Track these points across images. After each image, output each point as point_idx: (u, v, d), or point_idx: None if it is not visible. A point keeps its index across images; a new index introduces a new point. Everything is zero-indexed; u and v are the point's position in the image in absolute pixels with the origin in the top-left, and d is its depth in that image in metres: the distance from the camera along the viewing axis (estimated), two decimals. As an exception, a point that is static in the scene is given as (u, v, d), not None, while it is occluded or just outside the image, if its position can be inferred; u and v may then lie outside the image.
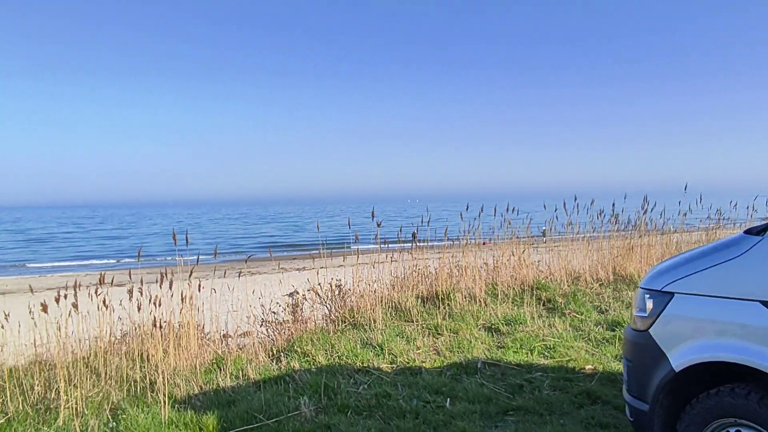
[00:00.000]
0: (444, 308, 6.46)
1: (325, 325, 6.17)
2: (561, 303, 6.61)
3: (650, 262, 8.53)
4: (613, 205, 9.18)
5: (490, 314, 6.20)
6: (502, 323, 5.76)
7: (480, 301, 6.71)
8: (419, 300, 6.73)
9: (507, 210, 8.40)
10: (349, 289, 7.27)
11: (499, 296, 7.01)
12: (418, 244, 7.84)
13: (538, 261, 8.44)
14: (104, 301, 5.01)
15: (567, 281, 7.81)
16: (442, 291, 6.75)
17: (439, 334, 5.58)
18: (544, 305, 6.71)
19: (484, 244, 8.39)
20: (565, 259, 8.47)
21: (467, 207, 8.32)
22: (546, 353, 4.93)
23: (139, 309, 5.30)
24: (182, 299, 5.85)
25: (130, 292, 5.59)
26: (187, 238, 5.88)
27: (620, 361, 4.49)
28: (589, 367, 4.58)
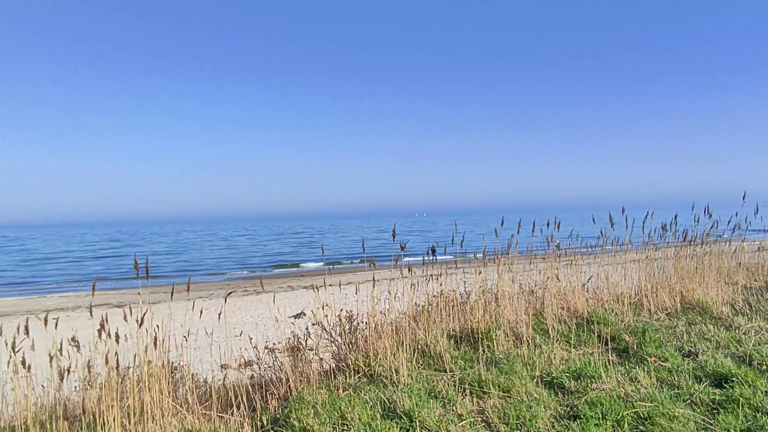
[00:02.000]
0: (483, 351, 5.08)
1: (332, 376, 4.79)
2: (631, 343, 5.19)
3: (723, 286, 7.12)
4: (676, 217, 7.75)
5: (546, 361, 4.80)
6: (566, 376, 4.36)
7: (527, 340, 5.32)
8: (451, 340, 5.35)
9: (550, 224, 7.01)
10: (363, 321, 5.95)
11: (550, 333, 5.62)
12: (443, 264, 6.48)
13: (581, 283, 7.05)
14: (23, 361, 3.67)
15: (624, 310, 6.40)
16: (479, 328, 5.37)
17: (484, 392, 4.18)
18: (608, 345, 5.30)
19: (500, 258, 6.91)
20: (613, 280, 7.08)
21: (502, 222, 6.93)
22: (642, 428, 3.52)
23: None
24: (155, 342, 4.57)
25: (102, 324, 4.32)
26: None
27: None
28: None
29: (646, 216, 7.50)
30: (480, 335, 5.25)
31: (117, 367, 4.28)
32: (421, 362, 4.92)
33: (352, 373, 4.74)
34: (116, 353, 4.26)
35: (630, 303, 6.65)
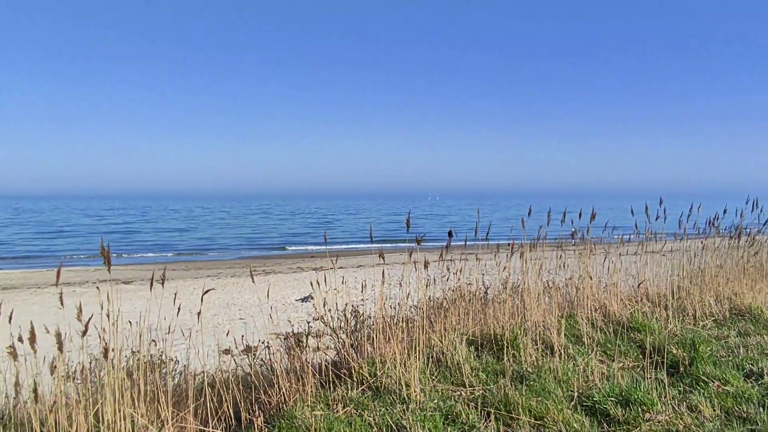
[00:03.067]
0: (509, 362, 4.38)
1: (332, 385, 4.11)
2: (681, 358, 4.45)
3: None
4: (725, 211, 6.91)
5: (583, 377, 4.08)
6: (611, 401, 3.64)
7: (558, 350, 4.59)
8: (471, 347, 4.65)
9: (582, 214, 6.23)
10: (370, 316, 5.29)
11: (584, 341, 4.89)
12: (463, 251, 5.77)
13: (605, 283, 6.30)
14: None
15: (666, 315, 5.66)
16: (503, 334, 4.66)
17: (512, 417, 3.48)
18: (652, 358, 4.57)
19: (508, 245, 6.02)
20: (649, 276, 6.31)
21: (530, 211, 6.15)
22: (714, 480, 2.80)
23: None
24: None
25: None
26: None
27: None
28: None
29: (691, 208, 6.68)
30: (505, 342, 4.54)
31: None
32: (435, 373, 4.23)
33: (355, 383, 4.06)
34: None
35: (672, 306, 5.89)
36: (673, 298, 6.08)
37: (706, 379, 3.97)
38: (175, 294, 4.21)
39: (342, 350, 4.49)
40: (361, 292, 5.03)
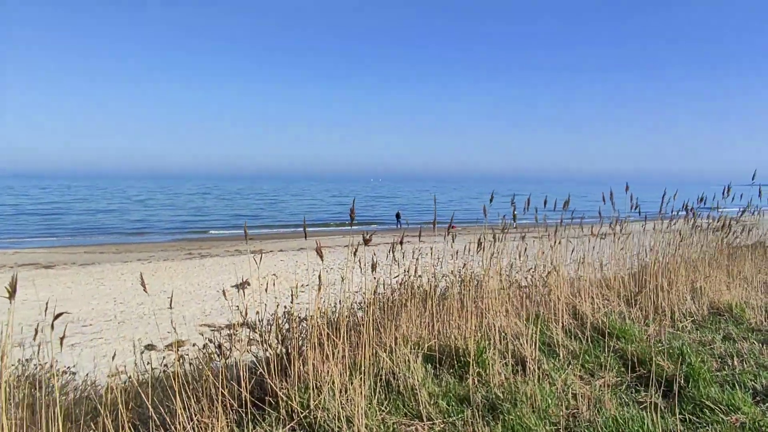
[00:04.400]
0: (474, 383, 3.56)
1: (250, 421, 3.16)
2: (674, 375, 3.75)
3: (756, 284, 5.81)
4: (704, 199, 6.32)
5: (565, 404, 3.31)
6: (605, 439, 2.87)
7: (532, 365, 3.81)
8: (428, 363, 3.81)
9: (548, 201, 5.47)
10: (305, 319, 4.41)
11: (559, 352, 4.14)
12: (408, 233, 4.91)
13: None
14: None
15: (641, 315, 5.02)
16: (467, 347, 3.83)
17: (483, 469, 2.65)
18: (637, 373, 3.87)
19: (452, 228, 5.09)
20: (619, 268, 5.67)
21: (491, 198, 5.28)
22: None
23: None
24: None
25: None
26: None
27: None
28: None
29: (664, 195, 6.06)
30: (468, 359, 3.71)
31: None
32: (385, 401, 3.35)
33: (282, 419, 3.14)
34: None
35: (647, 305, 5.26)
36: (645, 295, 5.46)
37: (711, 405, 3.27)
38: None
39: (266, 373, 3.53)
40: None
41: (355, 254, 3.69)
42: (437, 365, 3.86)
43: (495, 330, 4.21)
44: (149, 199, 61.47)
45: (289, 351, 3.93)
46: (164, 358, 8.13)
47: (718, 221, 6.50)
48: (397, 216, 35.33)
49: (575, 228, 6.04)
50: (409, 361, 3.61)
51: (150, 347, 10.27)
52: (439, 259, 5.41)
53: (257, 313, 4.50)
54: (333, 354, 3.55)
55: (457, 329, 4.08)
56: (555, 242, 5.43)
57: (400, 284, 4.82)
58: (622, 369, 3.99)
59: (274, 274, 16.76)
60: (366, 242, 3.23)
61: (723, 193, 6.58)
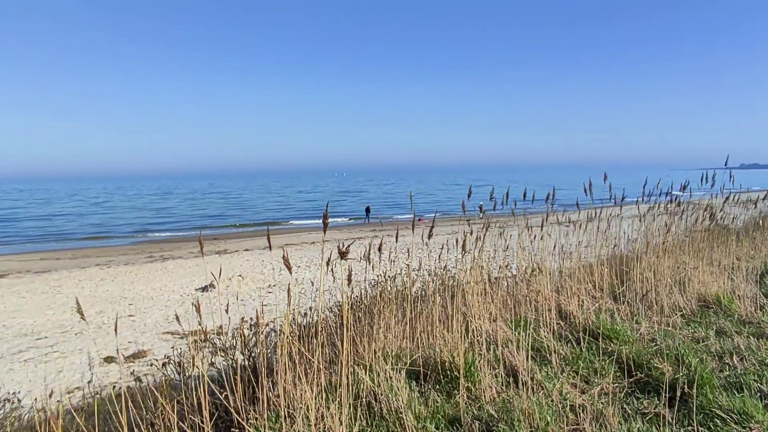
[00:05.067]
0: (464, 401, 3.22)
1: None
2: (676, 380, 3.48)
3: (739, 273, 5.64)
4: (687, 186, 6.12)
5: (563, 419, 2.99)
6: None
7: (524, 375, 3.49)
8: (412, 380, 3.45)
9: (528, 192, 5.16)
10: (274, 331, 4.03)
11: (551, 358, 3.84)
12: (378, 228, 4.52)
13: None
14: None
15: (630, 311, 4.78)
16: (455, 359, 3.48)
17: None
18: (636, 377, 3.60)
19: (419, 220, 4.74)
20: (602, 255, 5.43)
21: (469, 193, 4.94)
22: None
23: None
24: None
25: None
26: None
27: None
28: None
29: (646, 183, 5.84)
30: (456, 372, 3.37)
31: None
32: (367, 427, 2.98)
33: (251, 455, 2.73)
34: None
35: (634, 300, 5.02)
36: (631, 288, 5.23)
37: (722, 414, 3.00)
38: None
39: (231, 397, 3.11)
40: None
41: (328, 264, 3.30)
42: (422, 380, 3.50)
43: (482, 337, 3.88)
44: (106, 201, 59.48)
45: (257, 368, 3.52)
46: (121, 376, 7.58)
47: (698, 205, 6.32)
48: (367, 210, 34.96)
49: (554, 215, 5.78)
50: (391, 378, 3.25)
51: (109, 360, 9.66)
52: (419, 260, 5.08)
53: (220, 327, 4.09)
54: (306, 374, 3.16)
55: (442, 339, 3.73)
56: (537, 237, 5.14)
57: (374, 286, 4.45)
58: (618, 373, 3.71)
59: (240, 275, 16.20)
60: (342, 255, 2.84)
61: (702, 180, 6.42)
